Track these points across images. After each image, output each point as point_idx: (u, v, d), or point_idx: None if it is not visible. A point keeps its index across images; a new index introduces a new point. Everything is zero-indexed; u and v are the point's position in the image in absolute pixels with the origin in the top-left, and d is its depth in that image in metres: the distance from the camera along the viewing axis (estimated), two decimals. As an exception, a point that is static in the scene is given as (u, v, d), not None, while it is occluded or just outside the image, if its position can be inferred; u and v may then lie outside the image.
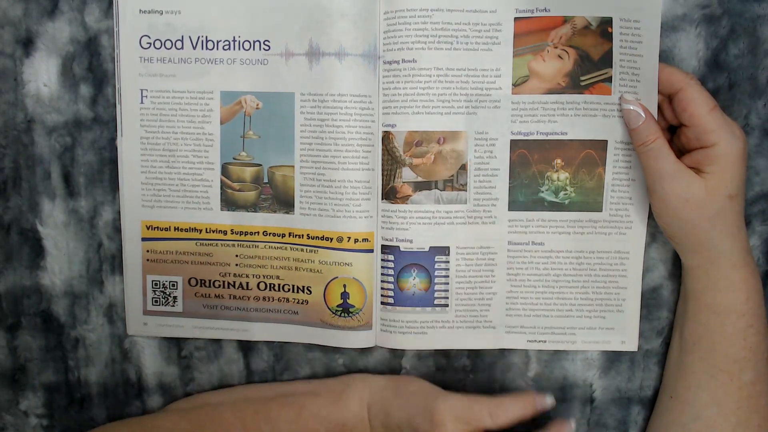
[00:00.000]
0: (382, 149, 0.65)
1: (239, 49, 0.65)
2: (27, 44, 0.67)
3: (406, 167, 0.65)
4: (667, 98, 0.61)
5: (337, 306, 0.68)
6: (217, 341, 0.71)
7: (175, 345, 0.71)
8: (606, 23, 0.62)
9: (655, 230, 0.66)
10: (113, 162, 0.68)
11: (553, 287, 0.67)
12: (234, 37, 0.65)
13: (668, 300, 0.68)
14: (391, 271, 0.68)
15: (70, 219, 0.70)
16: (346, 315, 0.68)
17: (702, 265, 0.61)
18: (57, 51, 0.67)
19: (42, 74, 0.68)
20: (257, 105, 0.66)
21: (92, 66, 0.68)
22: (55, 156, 0.69)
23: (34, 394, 0.73)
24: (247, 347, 0.71)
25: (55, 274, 0.71)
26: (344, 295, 0.68)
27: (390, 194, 0.66)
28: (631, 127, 0.61)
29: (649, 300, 0.68)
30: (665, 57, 0.64)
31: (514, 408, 0.61)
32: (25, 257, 0.70)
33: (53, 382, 0.72)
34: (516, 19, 0.63)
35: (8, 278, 0.71)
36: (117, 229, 0.69)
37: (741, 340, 0.60)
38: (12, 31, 0.67)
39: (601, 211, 0.66)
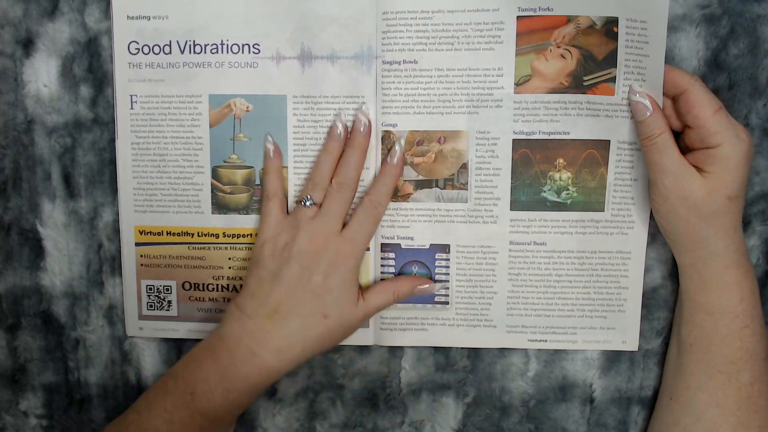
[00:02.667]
0: (383, 148, 0.64)
1: (227, 52, 0.64)
2: (27, 45, 0.65)
3: (407, 166, 0.64)
4: (671, 100, 0.59)
5: None
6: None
7: (174, 347, 0.69)
8: (611, 23, 0.59)
9: (655, 230, 0.64)
10: (113, 163, 0.67)
11: (554, 287, 0.65)
12: (222, 41, 0.64)
13: (668, 300, 0.66)
14: (392, 269, 0.66)
15: (70, 220, 0.68)
16: None
17: (695, 264, 0.59)
18: (57, 52, 0.65)
19: (42, 75, 0.66)
20: (247, 108, 0.64)
21: (92, 67, 0.66)
22: (55, 157, 0.67)
23: (34, 394, 0.71)
24: (247, 348, 0.68)
25: (55, 274, 0.69)
26: None
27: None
28: (638, 119, 0.59)
29: (649, 300, 0.66)
30: (665, 57, 0.61)
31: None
32: (25, 258, 0.69)
33: (53, 382, 0.70)
34: (518, 17, 0.60)
35: (8, 279, 0.69)
36: (117, 230, 0.68)
37: (737, 341, 0.58)
38: (12, 31, 0.65)
39: (603, 211, 0.63)
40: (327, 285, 0.59)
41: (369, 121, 0.62)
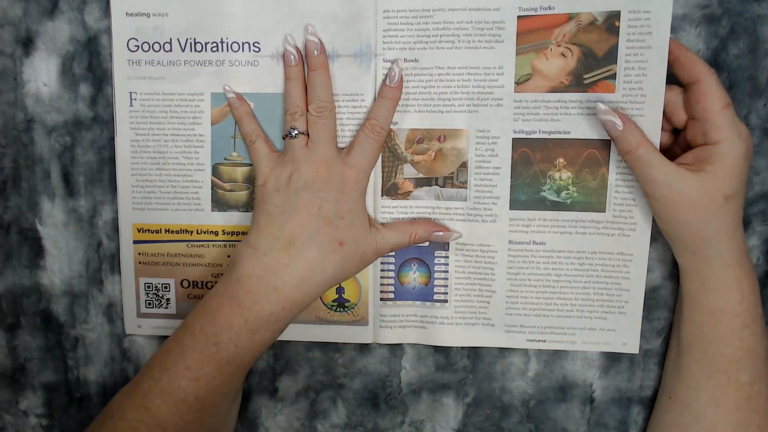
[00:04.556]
0: (384, 146, 0.63)
1: (228, 50, 0.63)
2: (27, 44, 0.65)
3: (407, 164, 0.63)
4: (683, 88, 0.58)
5: (333, 301, 0.66)
6: (217, 341, 0.67)
7: (174, 345, 0.68)
8: (613, 17, 0.59)
9: (655, 230, 0.63)
10: (112, 161, 0.66)
11: (553, 287, 0.64)
12: (222, 39, 0.63)
13: (668, 300, 0.65)
14: (392, 266, 0.66)
15: (69, 218, 0.67)
16: (341, 310, 0.66)
17: (696, 264, 0.58)
18: (57, 51, 0.65)
19: (42, 74, 0.65)
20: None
21: (92, 65, 0.65)
22: (54, 155, 0.66)
23: (34, 393, 0.70)
24: (246, 347, 0.68)
25: (55, 273, 0.68)
26: (339, 290, 0.66)
27: (391, 190, 0.64)
28: (613, 135, 0.58)
29: (649, 300, 0.65)
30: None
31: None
32: (24, 257, 0.68)
33: (53, 381, 0.70)
34: (519, 17, 0.60)
35: (8, 278, 0.68)
36: (116, 228, 0.67)
37: (737, 340, 0.57)
38: (12, 31, 0.65)
39: (604, 211, 0.62)
40: (338, 212, 0.58)
41: (320, 40, 0.61)
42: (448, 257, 0.64)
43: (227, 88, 0.63)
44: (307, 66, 0.61)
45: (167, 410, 0.56)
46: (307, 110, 0.60)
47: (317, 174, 0.58)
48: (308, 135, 0.60)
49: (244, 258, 0.58)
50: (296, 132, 0.60)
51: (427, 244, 0.64)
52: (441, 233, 0.63)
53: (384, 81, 0.61)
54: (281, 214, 0.58)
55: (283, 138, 0.61)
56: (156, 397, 0.56)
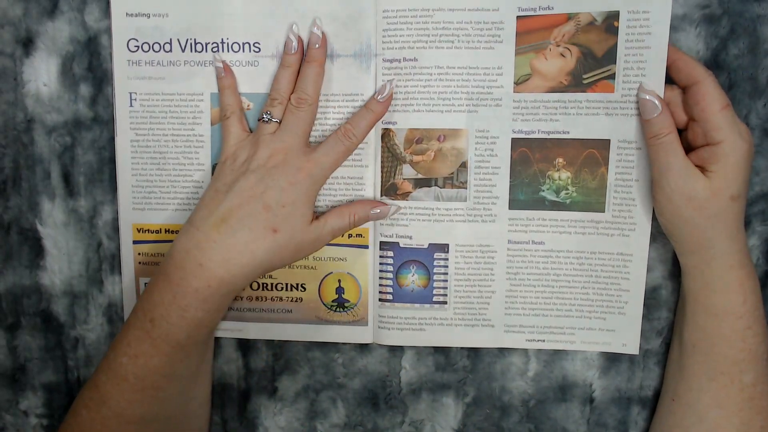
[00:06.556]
0: (383, 146, 0.63)
1: (228, 51, 0.63)
2: (27, 44, 0.65)
3: (406, 164, 0.63)
4: (681, 90, 0.58)
5: (332, 301, 0.66)
6: (216, 340, 0.68)
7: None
8: (612, 17, 0.59)
9: (655, 230, 0.63)
10: (113, 161, 0.66)
11: (553, 287, 0.64)
12: (222, 40, 0.63)
13: (668, 300, 0.65)
14: (390, 267, 0.65)
15: (69, 219, 0.67)
16: (341, 310, 0.66)
17: (698, 265, 0.58)
18: (57, 51, 0.65)
19: (42, 74, 0.65)
20: (248, 106, 0.63)
21: (92, 66, 0.65)
22: (54, 156, 0.66)
23: (34, 393, 0.70)
24: (246, 347, 0.68)
25: (55, 273, 0.68)
26: (339, 290, 0.66)
27: (390, 191, 0.64)
28: (646, 117, 0.58)
29: (649, 300, 0.65)
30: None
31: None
32: (24, 257, 0.68)
33: (53, 381, 0.70)
34: (518, 17, 0.60)
35: (8, 278, 0.68)
36: (116, 228, 0.67)
37: (740, 341, 0.57)
38: (12, 31, 0.65)
39: (603, 211, 0.62)
40: (281, 200, 0.58)
41: (323, 35, 0.61)
42: (447, 259, 0.64)
43: (217, 57, 0.63)
44: (305, 56, 0.61)
45: (111, 387, 0.57)
46: (290, 100, 0.60)
47: (271, 160, 0.58)
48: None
49: (181, 234, 0.58)
50: (269, 118, 0.60)
51: (426, 245, 0.64)
52: (378, 210, 0.62)
53: (374, 94, 0.61)
54: (226, 192, 0.58)
55: (258, 120, 0.61)
56: (102, 373, 0.58)
